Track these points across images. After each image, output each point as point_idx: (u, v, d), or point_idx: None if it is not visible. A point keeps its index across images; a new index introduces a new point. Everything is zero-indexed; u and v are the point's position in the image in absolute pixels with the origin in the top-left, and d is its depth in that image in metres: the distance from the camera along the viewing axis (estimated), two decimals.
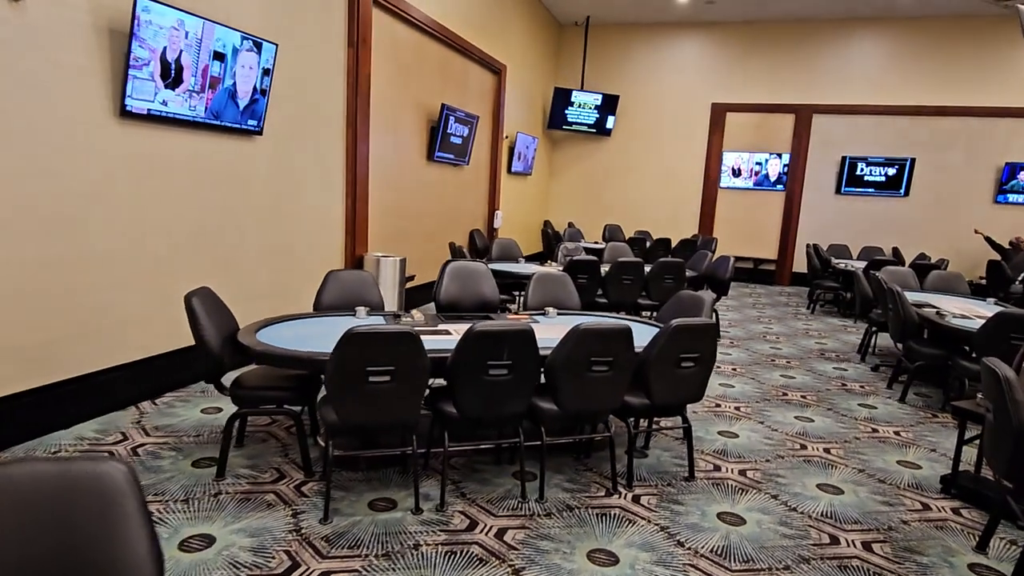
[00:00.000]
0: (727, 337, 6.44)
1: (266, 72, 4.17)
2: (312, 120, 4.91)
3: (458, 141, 7.31)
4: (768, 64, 10.37)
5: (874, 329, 5.84)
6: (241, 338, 2.79)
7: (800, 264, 10.52)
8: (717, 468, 3.28)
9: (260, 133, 4.29)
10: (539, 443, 2.81)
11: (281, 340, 2.84)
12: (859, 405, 4.48)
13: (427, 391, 2.95)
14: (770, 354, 5.84)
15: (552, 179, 11.72)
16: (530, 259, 7.80)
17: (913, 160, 9.89)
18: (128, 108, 3.33)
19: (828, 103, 10.16)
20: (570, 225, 11.33)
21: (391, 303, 5.55)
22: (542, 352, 2.71)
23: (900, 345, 4.79)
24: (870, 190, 10.16)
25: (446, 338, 3.05)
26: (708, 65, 10.68)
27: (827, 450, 3.62)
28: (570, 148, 11.57)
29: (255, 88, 4.12)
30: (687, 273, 6.34)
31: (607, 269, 5.60)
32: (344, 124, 5.30)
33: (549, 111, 10.73)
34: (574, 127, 10.91)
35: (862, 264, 8.32)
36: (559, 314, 3.85)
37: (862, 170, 10.13)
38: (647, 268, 5.88)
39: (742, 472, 3.24)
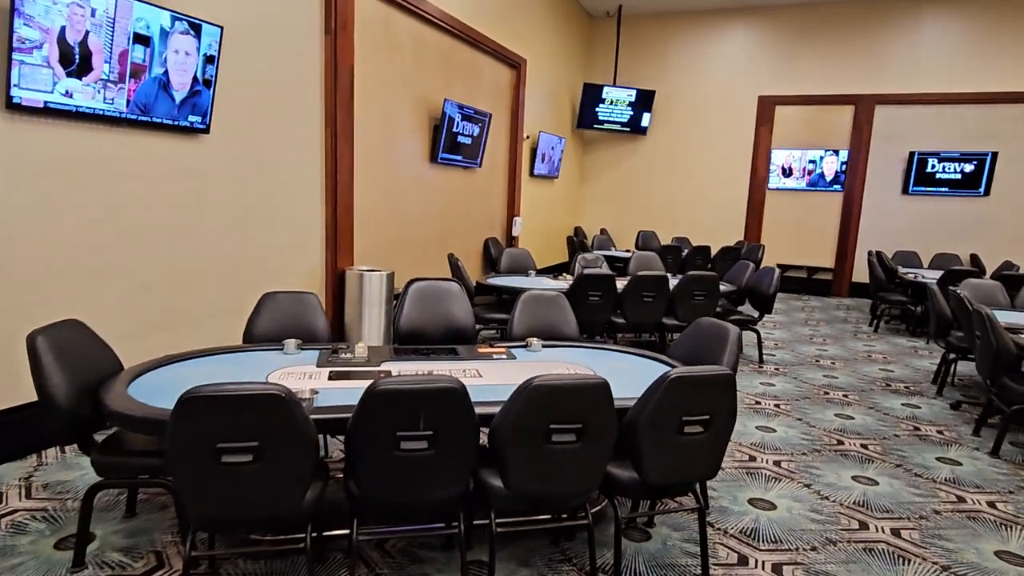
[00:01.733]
0: (771, 363, 5.51)
1: (209, 60, 3.58)
2: (280, 116, 4.31)
3: (467, 141, 6.63)
4: (823, 51, 9.32)
5: (953, 356, 4.83)
6: (105, 390, 2.16)
7: (860, 274, 9.39)
8: (743, 561, 2.45)
9: (207, 131, 3.70)
10: (488, 524, 2.06)
11: (169, 388, 2.19)
12: (938, 460, 3.54)
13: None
14: (823, 384, 4.91)
15: (584, 182, 10.93)
16: (548, 271, 7.05)
17: (994, 154, 8.64)
18: (16, 100, 2.77)
19: (893, 92, 9.02)
20: (602, 232, 10.53)
21: (377, 323, 4.89)
22: (488, 411, 1.98)
23: (990, 381, 3.82)
24: (943, 189, 8.95)
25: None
26: (754, 54, 9.69)
27: (897, 531, 2.73)
28: (603, 149, 10.75)
29: (196, 78, 3.54)
30: (724, 288, 5.46)
31: (624, 285, 4.80)
32: (322, 121, 4.68)
33: (578, 109, 9.96)
34: (606, 126, 10.10)
35: (936, 275, 7.21)
36: (546, 346, 3.09)
37: (933, 167, 8.94)
38: (674, 282, 5.03)
39: (776, 569, 2.41)
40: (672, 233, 10.13)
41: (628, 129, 10.19)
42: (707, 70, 9.97)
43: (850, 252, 9.50)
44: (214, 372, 2.43)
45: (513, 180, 8.07)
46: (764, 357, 5.64)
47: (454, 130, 6.32)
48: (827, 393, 4.69)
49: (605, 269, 6.03)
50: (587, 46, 10.39)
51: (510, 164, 8.03)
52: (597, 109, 9.97)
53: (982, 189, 8.78)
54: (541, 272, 6.25)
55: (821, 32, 9.30)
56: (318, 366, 2.59)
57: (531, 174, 8.63)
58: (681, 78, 10.12)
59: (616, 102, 9.98)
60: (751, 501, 2.94)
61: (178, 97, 3.48)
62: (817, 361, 5.65)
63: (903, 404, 4.51)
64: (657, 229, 10.22)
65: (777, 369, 5.29)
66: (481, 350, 2.97)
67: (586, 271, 4.63)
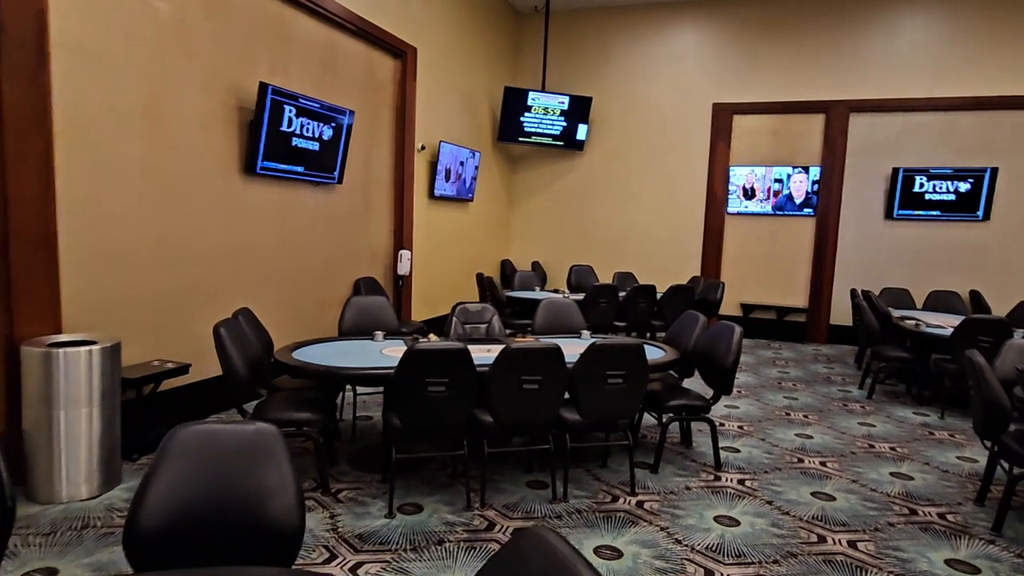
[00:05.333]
0: (733, 467, 3.69)
1: None
2: None
3: (312, 146, 4.79)
4: (786, 50, 7.80)
5: (1011, 468, 3.06)
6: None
7: (840, 314, 7.76)
8: None
9: None
10: None
11: None
12: None
13: None
14: (814, 516, 3.09)
15: (512, 206, 9.16)
16: (434, 323, 5.21)
17: (994, 171, 7.15)
18: None
19: (870, 97, 7.52)
20: (533, 266, 8.78)
21: (85, 442, 2.94)
22: None
23: None
24: (934, 213, 7.42)
25: None
26: (707, 55, 8.14)
27: None
28: (533, 166, 9.03)
29: None
30: (658, 356, 3.65)
31: (491, 363, 2.92)
32: None
33: (500, 118, 8.24)
34: (534, 139, 8.39)
35: (940, 320, 5.56)
36: None
37: (922, 186, 7.41)
38: (576, 352, 3.18)
39: None
40: (615, 267, 8.39)
41: (561, 143, 8.50)
42: (652, 74, 8.38)
43: (826, 289, 7.86)
44: None
45: (401, 202, 6.23)
46: (722, 457, 3.81)
47: (285, 129, 4.47)
48: (824, 539, 2.87)
49: (495, 327, 4.19)
50: (514, 47, 8.73)
51: (396, 181, 6.21)
52: (522, 119, 8.26)
53: (980, 212, 7.26)
54: (395, 337, 4.39)
55: (784, 28, 7.80)
56: None
57: (431, 195, 6.81)
58: (622, 83, 8.51)
59: (546, 111, 8.30)
60: None
61: None
62: (800, 460, 3.84)
63: (948, 562, 2.70)
64: (598, 262, 8.48)
65: (742, 483, 3.46)
66: None
67: (425, 344, 2.76)
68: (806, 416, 4.78)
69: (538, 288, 7.06)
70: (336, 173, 5.12)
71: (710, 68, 8.14)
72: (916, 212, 7.47)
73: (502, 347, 2.91)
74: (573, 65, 8.65)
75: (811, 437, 4.29)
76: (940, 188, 7.35)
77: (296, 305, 4.93)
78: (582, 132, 8.49)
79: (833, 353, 7.33)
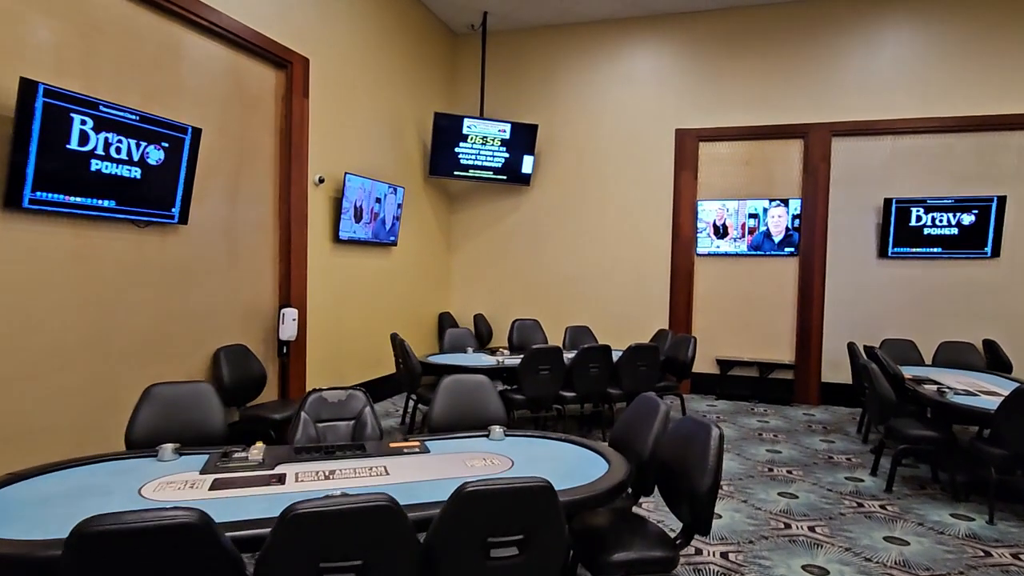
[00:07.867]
0: None
1: None
2: None
3: (130, 173, 3.50)
4: (757, 68, 6.84)
5: None
6: None
7: (832, 370, 6.58)
8: None
9: None
10: None
11: None
12: None
13: None
14: None
15: (452, 251, 7.93)
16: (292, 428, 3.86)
17: (1001, 199, 6.15)
18: None
19: (854, 119, 6.54)
20: (476, 321, 7.52)
21: None
22: None
23: None
24: (935, 250, 6.36)
25: None
26: (668, 75, 7.14)
27: None
28: (475, 204, 7.86)
29: None
30: (598, 477, 2.35)
31: (269, 537, 1.59)
32: None
33: (430, 149, 7.08)
34: (472, 173, 7.23)
35: (963, 382, 4.35)
36: None
37: (919, 219, 6.37)
38: (451, 488, 1.87)
39: None
40: (568, 320, 7.15)
41: (504, 177, 7.35)
42: (606, 98, 7.34)
43: (815, 340, 6.70)
44: None
45: (288, 248, 4.94)
46: None
47: (75, 147, 3.19)
48: None
49: (368, 425, 2.87)
50: (448, 70, 7.65)
51: (281, 222, 4.93)
52: (457, 150, 7.11)
53: (988, 248, 6.22)
54: (222, 438, 3.05)
55: (753, 44, 6.85)
56: None
57: (336, 239, 5.54)
58: (572, 109, 7.45)
59: (485, 140, 7.17)
60: None
61: None
62: None
63: None
64: (549, 314, 7.25)
65: None
66: None
67: (104, 522, 1.42)
68: (813, 528, 3.49)
69: (471, 349, 5.75)
70: (175, 210, 3.82)
71: (671, 90, 7.12)
72: (914, 249, 6.41)
73: (373, 462, 1.60)
74: (515, 89, 7.59)
75: (827, 572, 2.99)
76: (940, 221, 6.32)
77: (109, 392, 3.55)
78: (528, 164, 7.37)
79: (829, 419, 6.10)
